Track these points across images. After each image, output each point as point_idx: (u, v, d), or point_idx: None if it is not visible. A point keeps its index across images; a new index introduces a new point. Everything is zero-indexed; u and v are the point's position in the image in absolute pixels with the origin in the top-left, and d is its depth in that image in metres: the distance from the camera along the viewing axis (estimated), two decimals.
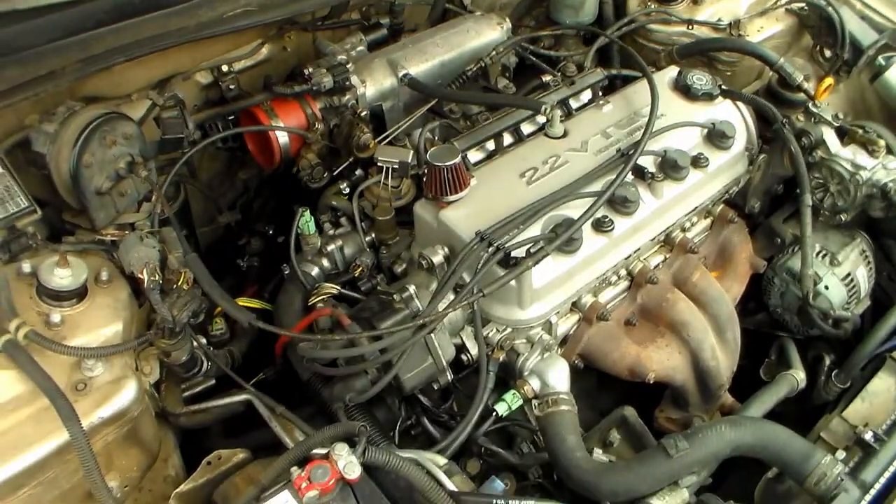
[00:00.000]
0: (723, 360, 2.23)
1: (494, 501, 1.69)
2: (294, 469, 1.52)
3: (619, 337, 2.12)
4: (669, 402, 2.34)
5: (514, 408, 1.93)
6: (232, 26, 2.10)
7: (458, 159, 1.95)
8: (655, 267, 2.22)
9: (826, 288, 2.35)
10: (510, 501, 1.69)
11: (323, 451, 1.57)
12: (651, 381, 2.12)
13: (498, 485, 1.81)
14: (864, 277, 2.44)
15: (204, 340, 2.01)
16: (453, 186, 1.97)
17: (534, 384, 1.93)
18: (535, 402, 1.92)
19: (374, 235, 2.15)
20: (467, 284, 1.82)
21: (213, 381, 2.00)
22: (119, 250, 1.79)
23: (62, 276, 1.69)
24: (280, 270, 2.21)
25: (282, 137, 2.21)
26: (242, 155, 2.44)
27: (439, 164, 1.94)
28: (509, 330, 1.99)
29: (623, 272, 2.17)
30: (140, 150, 1.94)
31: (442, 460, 1.75)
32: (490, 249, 1.85)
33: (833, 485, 1.77)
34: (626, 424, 2.14)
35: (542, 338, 2.00)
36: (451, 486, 1.69)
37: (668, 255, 2.26)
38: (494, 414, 1.92)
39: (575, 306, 2.09)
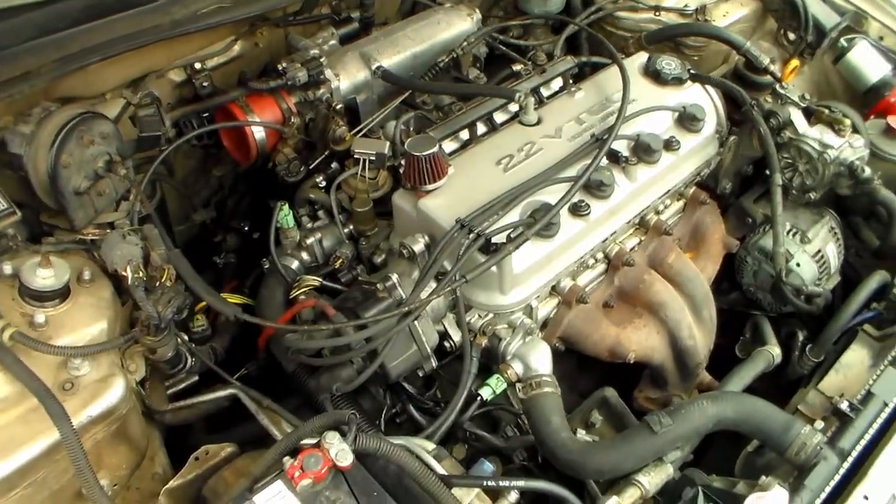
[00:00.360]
0: (700, 338, 2.27)
1: (485, 482, 1.72)
2: (286, 459, 1.53)
3: (598, 319, 2.16)
4: (648, 382, 2.38)
5: (498, 392, 1.96)
6: (205, 23, 2.10)
7: (435, 148, 1.98)
8: (631, 249, 2.26)
9: (798, 265, 2.40)
10: (500, 482, 1.72)
11: (313, 440, 1.59)
12: (631, 361, 2.15)
13: (487, 467, 1.84)
14: (833, 254, 2.50)
15: (186, 337, 2.02)
16: (431, 175, 1.99)
17: (517, 368, 1.96)
18: (518, 385, 1.95)
19: (352, 227, 2.17)
20: (449, 271, 1.85)
21: (196, 378, 2.01)
22: (102, 248, 1.79)
23: (45, 277, 1.69)
24: (259, 265, 2.23)
25: (258, 133, 2.22)
26: (217, 152, 2.44)
27: (417, 153, 1.96)
28: (491, 315, 2.02)
29: (600, 255, 2.21)
30: (117, 149, 1.94)
31: (430, 445, 1.77)
32: (471, 236, 1.88)
33: (813, 454, 1.82)
34: (608, 405, 2.18)
35: (523, 322, 2.03)
36: (441, 469, 1.72)
37: (643, 238, 2.30)
38: (479, 399, 1.95)
39: (554, 290, 2.12)
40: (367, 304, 1.86)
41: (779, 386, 2.44)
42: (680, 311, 2.22)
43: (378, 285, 1.87)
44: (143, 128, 2.00)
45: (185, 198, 2.46)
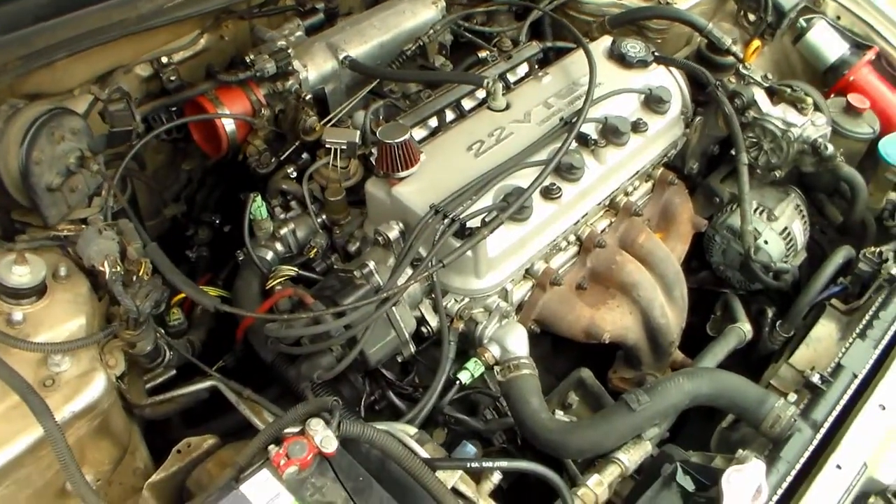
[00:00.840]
0: (672, 317, 2.33)
1: (468, 464, 1.75)
2: (271, 447, 1.56)
3: (572, 300, 2.20)
4: (622, 362, 2.42)
5: (476, 375, 1.99)
6: (171, 17, 2.11)
7: (407, 136, 2.00)
8: (602, 231, 2.30)
9: (765, 242, 2.46)
10: (482, 463, 1.75)
11: (297, 428, 1.61)
12: (606, 342, 2.20)
13: (469, 449, 1.88)
14: (799, 231, 2.56)
15: (163, 331, 2.03)
16: (404, 162, 2.02)
17: (494, 351, 2.00)
18: (496, 368, 1.99)
19: (325, 217, 2.19)
20: (425, 257, 1.88)
21: (174, 372, 2.02)
22: (77, 244, 1.79)
23: (21, 274, 1.70)
24: (232, 258, 2.25)
25: (228, 125, 2.23)
26: (186, 146, 2.45)
27: (389, 141, 1.99)
28: (467, 300, 2.05)
29: (572, 238, 2.25)
30: (88, 145, 1.95)
31: (412, 430, 1.80)
32: (445, 221, 1.91)
33: (787, 426, 1.87)
34: (584, 386, 2.23)
35: (499, 305, 2.06)
36: (424, 453, 1.75)
37: (613, 220, 2.34)
38: (458, 383, 1.98)
39: (528, 273, 2.16)
40: (344, 291, 1.88)
41: (750, 362, 2.50)
42: (652, 291, 2.27)
43: (355, 272, 1.90)
44: (115, 123, 2.01)
45: (156, 193, 2.47)
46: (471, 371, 1.99)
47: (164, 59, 2.26)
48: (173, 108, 2.26)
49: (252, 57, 2.24)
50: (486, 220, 1.94)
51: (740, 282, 2.57)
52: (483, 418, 2.11)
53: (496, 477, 1.76)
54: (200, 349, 2.13)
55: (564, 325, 2.18)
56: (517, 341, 2.01)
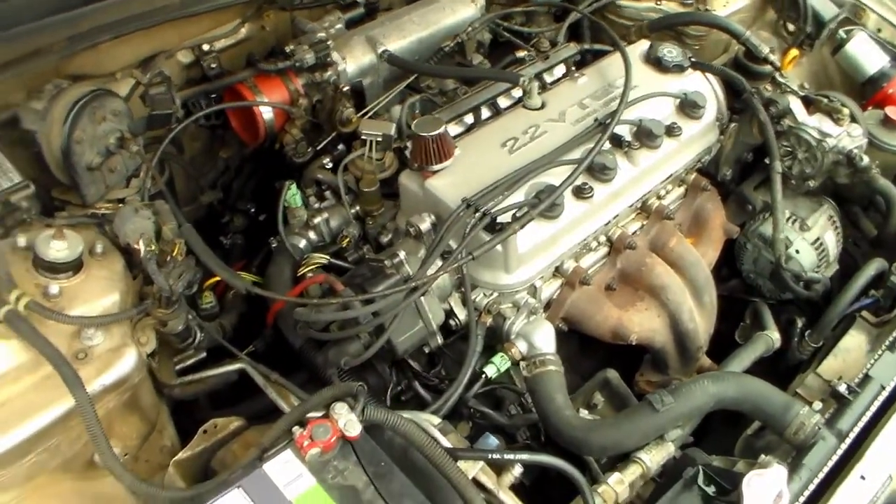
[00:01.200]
0: (701, 322, 2.31)
1: (490, 455, 1.75)
2: (296, 429, 1.57)
3: (600, 300, 2.20)
4: (649, 366, 2.41)
5: (502, 370, 2.00)
6: (214, 4, 2.15)
7: (442, 129, 2.01)
8: (633, 233, 2.30)
9: (797, 252, 2.44)
10: (504, 454, 1.76)
11: (322, 412, 1.63)
12: (633, 343, 2.19)
13: (492, 441, 1.88)
14: (832, 242, 2.54)
15: (195, 313, 2.05)
16: (438, 156, 2.03)
17: (521, 346, 2.00)
18: (522, 363, 1.99)
19: (358, 207, 2.20)
20: (455, 250, 1.89)
21: (204, 354, 2.04)
22: (114, 222, 1.82)
23: (59, 249, 1.73)
24: (266, 245, 2.27)
25: (266, 113, 2.26)
26: (224, 133, 2.48)
27: (424, 134, 2.00)
28: (496, 294, 2.06)
29: (603, 238, 2.25)
30: (128, 127, 1.98)
31: (436, 420, 1.81)
32: (476, 215, 1.92)
33: (811, 434, 1.86)
34: (609, 387, 2.22)
35: (527, 302, 2.07)
36: (446, 443, 1.75)
37: (644, 222, 2.33)
38: (483, 376, 1.98)
39: (558, 271, 2.16)
40: (375, 279, 1.90)
41: (777, 371, 2.47)
42: (681, 295, 2.27)
43: (386, 262, 1.92)
44: (155, 105, 2.03)
45: (193, 179, 2.49)
46: (497, 365, 1.99)
47: (206, 47, 2.29)
48: (213, 95, 2.28)
49: (292, 47, 2.27)
50: (518, 215, 1.94)
51: (770, 291, 2.55)
52: (507, 413, 2.11)
53: (517, 470, 1.77)
54: (231, 333, 2.15)
55: (592, 325, 2.18)
56: (544, 338, 2.01)
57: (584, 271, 2.17)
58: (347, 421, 1.58)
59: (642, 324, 2.23)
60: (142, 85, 2.11)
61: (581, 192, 2.10)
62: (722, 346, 2.46)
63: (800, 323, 2.50)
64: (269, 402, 1.91)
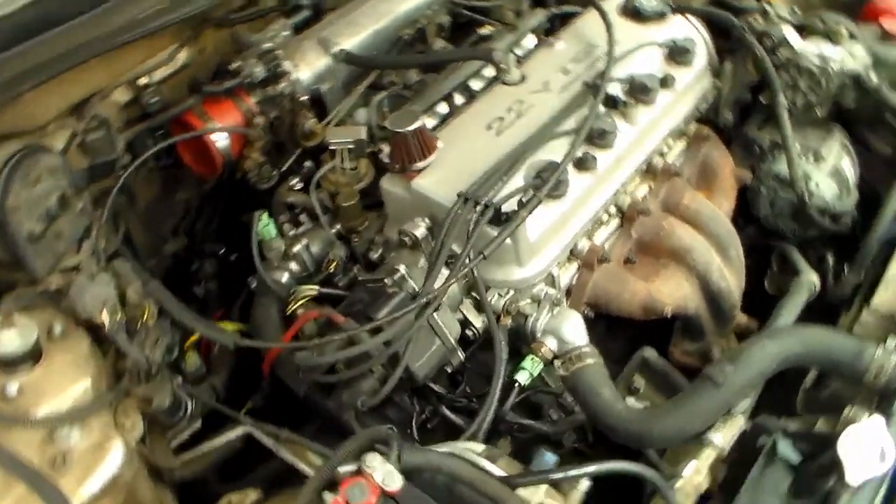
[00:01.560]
0: (731, 279, 2.04)
1: (551, 476, 1.46)
2: (327, 495, 1.28)
3: (624, 277, 1.92)
4: (682, 335, 2.13)
5: (535, 374, 1.72)
6: (146, 28, 1.82)
7: (420, 122, 1.73)
8: (643, 198, 2.02)
9: (817, 186, 2.17)
10: (569, 472, 1.47)
11: (351, 467, 1.34)
12: (668, 315, 1.92)
13: (549, 458, 1.57)
14: (849, 168, 2.26)
15: (181, 379, 1.75)
16: (421, 152, 1.75)
17: (550, 344, 1.72)
18: (556, 362, 1.71)
19: (339, 226, 1.91)
20: (460, 252, 1.60)
21: (199, 423, 1.75)
22: (69, 296, 1.52)
23: (10, 340, 1.42)
24: (244, 287, 1.97)
25: (220, 141, 1.95)
26: (177, 173, 2.16)
27: (402, 130, 1.71)
28: (512, 292, 1.77)
29: (613, 209, 1.97)
30: (69, 183, 1.67)
31: (478, 446, 1.52)
32: (478, 209, 1.63)
33: (894, 374, 1.59)
34: (649, 367, 1.95)
35: (547, 293, 1.78)
36: (498, 471, 1.47)
37: (652, 184, 2.06)
38: (516, 385, 1.70)
39: (573, 254, 1.88)
40: (377, 303, 1.60)
41: (815, 314, 2.21)
42: (707, 253, 1.99)
43: (385, 280, 1.62)
44: (95, 154, 1.73)
45: (152, 229, 2.18)
46: (529, 370, 1.71)
47: (143, 81, 1.97)
48: (159, 132, 1.97)
49: (237, 63, 1.97)
50: (524, 200, 1.65)
51: (793, 230, 2.27)
52: (549, 419, 1.82)
53: (584, 485, 1.48)
54: (224, 393, 1.86)
55: (620, 304, 1.90)
56: (574, 329, 1.73)
57: (601, 248, 1.89)
58: (385, 473, 1.29)
59: (672, 292, 1.95)
60: (77, 135, 1.80)
61: (583, 164, 1.82)
62: (751, 300, 2.18)
63: (831, 259, 2.24)
64: (284, 462, 1.62)
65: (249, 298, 1.93)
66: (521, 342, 1.77)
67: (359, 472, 1.31)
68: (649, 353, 1.95)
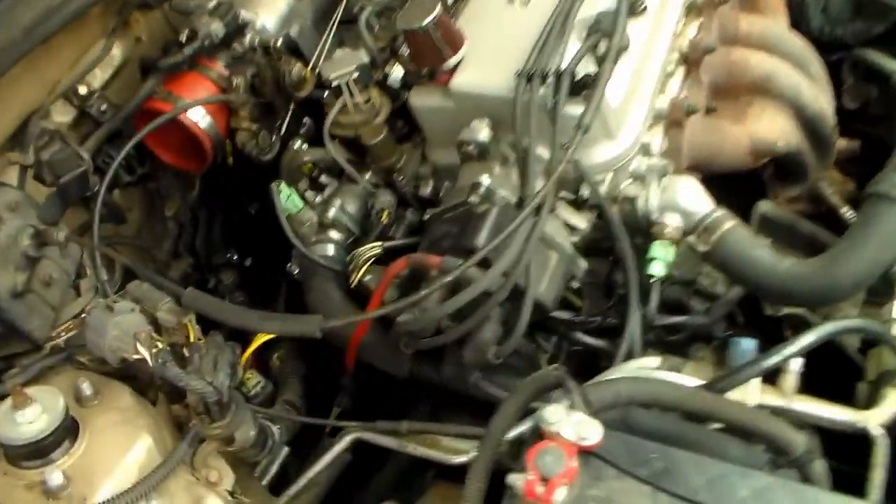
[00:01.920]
0: (822, 98, 1.68)
1: (761, 366, 1.10)
2: (514, 479, 0.91)
3: (719, 126, 1.55)
4: (778, 182, 1.77)
5: (670, 260, 1.34)
6: (63, 16, 1.41)
7: (438, 9, 1.34)
8: (698, 37, 1.64)
9: None
10: (777, 355, 1.10)
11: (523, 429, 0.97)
12: (782, 151, 1.55)
13: (746, 345, 1.19)
14: None
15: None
16: (450, 46, 1.36)
17: (672, 221, 1.35)
18: (690, 239, 1.34)
19: (371, 172, 1.52)
20: (552, 138, 1.22)
21: (286, 449, 1.36)
22: (87, 342, 1.11)
23: (31, 420, 1.02)
24: (274, 290, 1.61)
25: (201, 120, 1.54)
26: (158, 186, 1.76)
27: (420, 26, 1.32)
28: (610, 175, 1.39)
29: (675, 55, 1.59)
30: (39, 217, 1.27)
31: (654, 360, 1.16)
32: (548, 82, 1.25)
33: None
34: (770, 223, 1.60)
35: (649, 165, 1.41)
36: (695, 380, 1.10)
37: (699, 21, 1.69)
38: (654, 280, 1.33)
39: (656, 115, 1.50)
40: (472, 228, 1.21)
41: None
42: (792, 75, 1.62)
43: (471, 199, 1.23)
44: (59, 171, 1.33)
45: (148, 255, 1.77)
46: (662, 258, 1.33)
47: (83, 90, 1.56)
48: (119, 135, 1.56)
49: (187, 30, 1.56)
50: (600, 55, 1.27)
51: (856, 33, 1.91)
52: (700, 310, 1.45)
53: (796, 363, 1.12)
54: (305, 407, 1.47)
55: (725, 157, 1.53)
56: (694, 195, 1.37)
57: (683, 100, 1.51)
58: (576, 425, 0.93)
59: (770, 128, 1.59)
60: (27, 165, 1.39)
61: (633, 8, 1.44)
62: None
63: None
64: (406, 464, 1.25)
65: (293, 291, 1.55)
66: (636, 232, 1.39)
67: (540, 437, 0.94)
68: (765, 206, 1.60)
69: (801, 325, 1.47)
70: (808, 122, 1.65)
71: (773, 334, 1.51)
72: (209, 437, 1.12)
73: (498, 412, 1.01)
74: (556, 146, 1.19)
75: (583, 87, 1.26)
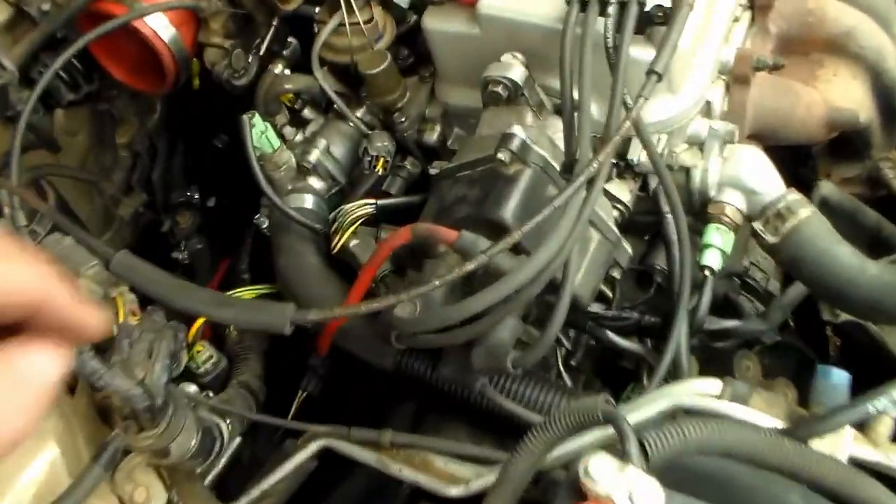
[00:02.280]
0: None
1: (857, 411, 0.82)
2: None
3: (790, 86, 1.25)
4: (832, 159, 1.48)
5: (728, 250, 1.05)
6: None
7: None
8: None
9: None
10: (876, 399, 0.82)
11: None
12: (863, 125, 1.26)
13: (838, 378, 0.90)
14: None
15: (194, 387, 1.07)
16: None
17: (734, 200, 1.06)
18: (757, 225, 1.05)
19: (366, 108, 1.21)
20: (613, 83, 0.91)
21: (238, 439, 1.07)
22: None
23: None
24: (244, 234, 1.31)
25: (163, 29, 1.21)
26: (109, 106, 1.44)
27: None
28: (665, 136, 1.08)
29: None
30: None
31: (714, 384, 0.87)
32: (610, 10, 0.93)
33: None
34: (831, 207, 1.31)
35: (712, 129, 1.10)
36: (766, 418, 0.82)
37: None
38: (708, 273, 1.04)
39: (720, 69, 1.19)
40: (497, 193, 0.91)
41: None
42: (874, 34, 1.31)
43: (500, 155, 0.91)
44: None
45: (95, 190, 1.45)
46: (720, 247, 1.04)
47: None
48: (61, 41, 1.24)
49: None
50: None
51: None
52: (752, 314, 1.16)
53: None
54: (265, 392, 1.18)
55: (794, 125, 1.23)
56: (764, 170, 1.08)
57: (750, 52, 1.20)
58: (632, 485, 0.65)
59: (843, 97, 1.29)
60: None
61: None
62: None
63: None
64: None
65: (259, 244, 1.25)
66: (689, 211, 1.10)
67: (579, 491, 0.67)
68: (828, 188, 1.31)
69: (853, 335, 1.22)
70: (883, 92, 1.36)
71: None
72: (136, 448, 0.83)
73: (519, 449, 0.73)
74: (618, 96, 0.88)
75: (649, 22, 0.95)
